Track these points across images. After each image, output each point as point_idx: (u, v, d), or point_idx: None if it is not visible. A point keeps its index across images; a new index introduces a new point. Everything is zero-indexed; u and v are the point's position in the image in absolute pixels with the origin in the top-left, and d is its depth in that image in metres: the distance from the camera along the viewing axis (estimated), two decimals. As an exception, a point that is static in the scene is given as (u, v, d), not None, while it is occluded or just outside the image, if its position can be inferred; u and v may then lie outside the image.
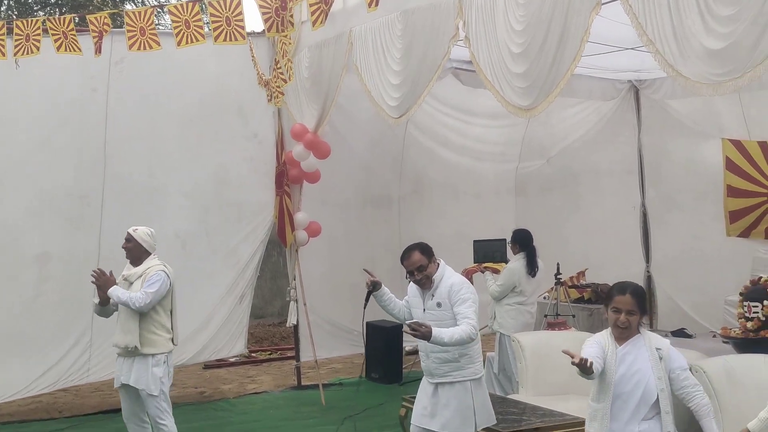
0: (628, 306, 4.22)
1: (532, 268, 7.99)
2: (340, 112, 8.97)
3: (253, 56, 8.18)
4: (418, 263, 5.28)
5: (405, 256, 5.37)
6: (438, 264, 5.35)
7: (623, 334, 4.27)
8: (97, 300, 6.23)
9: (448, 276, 5.30)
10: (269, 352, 11.56)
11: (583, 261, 9.97)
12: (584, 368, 3.95)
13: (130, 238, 6.30)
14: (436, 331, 4.91)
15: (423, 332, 4.88)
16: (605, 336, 4.29)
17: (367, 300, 5.43)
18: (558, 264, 8.64)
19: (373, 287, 5.37)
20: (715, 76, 5.17)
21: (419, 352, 5.41)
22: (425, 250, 5.35)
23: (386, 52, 7.33)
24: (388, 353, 9.48)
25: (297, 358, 9.49)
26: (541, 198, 10.95)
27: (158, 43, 7.72)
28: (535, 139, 10.79)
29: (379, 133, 9.72)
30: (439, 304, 5.22)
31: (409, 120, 9.04)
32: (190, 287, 8.03)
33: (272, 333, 12.98)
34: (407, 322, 5.13)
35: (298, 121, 8.72)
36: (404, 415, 6.50)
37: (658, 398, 4.10)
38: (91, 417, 8.30)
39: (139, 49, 7.78)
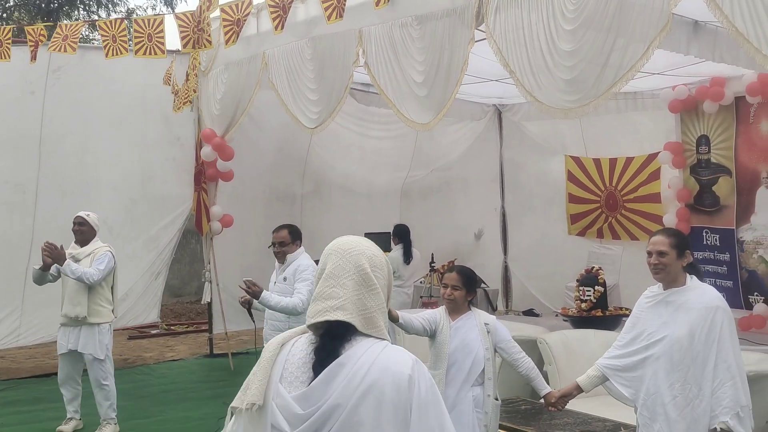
0: (453, 281, 4.11)
1: (407, 257, 8.18)
2: (252, 121, 8.93)
3: (170, 69, 8.05)
4: (281, 239, 5.37)
5: (276, 229, 5.47)
6: (298, 248, 5.41)
7: (453, 308, 4.13)
8: (38, 266, 5.99)
9: (301, 260, 5.35)
10: (186, 326, 11.36)
11: (454, 253, 10.20)
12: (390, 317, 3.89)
13: (84, 222, 6.16)
14: (266, 294, 5.02)
15: (254, 291, 4.98)
16: (441, 311, 4.18)
17: (250, 314, 5.38)
18: (432, 254, 8.82)
19: (249, 305, 5.25)
20: (567, 103, 5.42)
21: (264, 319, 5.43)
22: (293, 232, 5.42)
23: (300, 72, 7.36)
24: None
25: (210, 330, 9.39)
26: (423, 201, 10.98)
27: (74, 49, 7.55)
28: (423, 152, 10.82)
29: (284, 141, 9.66)
30: (285, 279, 5.31)
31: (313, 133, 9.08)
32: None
33: (189, 309, 12.76)
34: (243, 279, 5.15)
35: (208, 126, 8.60)
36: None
37: (484, 367, 4.01)
38: (25, 380, 8.02)
39: (58, 51, 7.58)
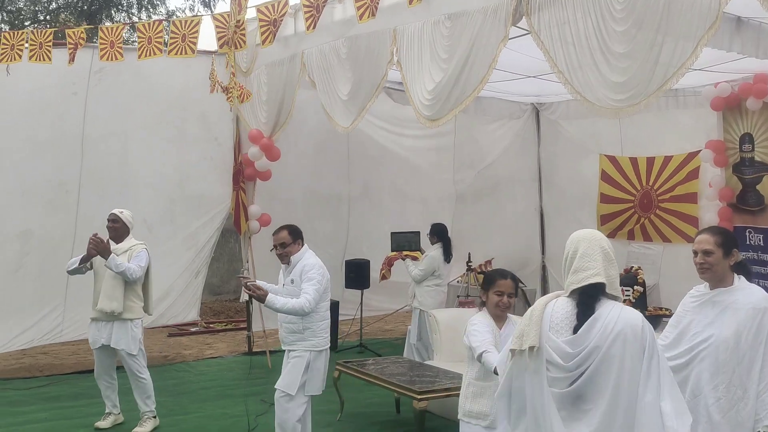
0: (509, 289, 4.01)
1: (447, 255, 8.12)
2: (290, 121, 8.98)
3: (213, 72, 8.12)
4: (282, 240, 5.19)
5: (276, 231, 5.30)
6: (301, 248, 5.22)
7: (503, 315, 4.01)
8: (77, 259, 6.13)
9: (306, 259, 5.17)
10: (225, 324, 11.43)
11: (501, 253, 10.09)
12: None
13: (117, 219, 6.23)
14: (271, 297, 4.85)
15: (259, 294, 4.83)
16: (486, 319, 3.98)
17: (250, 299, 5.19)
18: (469, 254, 8.77)
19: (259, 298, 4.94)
20: (617, 102, 5.32)
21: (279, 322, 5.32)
22: (293, 231, 5.24)
23: (336, 71, 7.39)
24: (326, 325, 9.47)
25: (248, 328, 9.43)
26: (475, 204, 10.84)
27: (122, 55, 7.68)
28: (464, 152, 10.72)
29: (322, 141, 9.67)
30: (292, 281, 5.15)
31: (351, 132, 9.09)
32: (154, 264, 7.96)
33: (228, 307, 12.85)
34: (248, 283, 4.99)
35: (253, 127, 8.67)
36: (338, 376, 6.53)
37: None
38: (67, 376, 8.12)
39: (108, 59, 7.72)
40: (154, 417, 6.32)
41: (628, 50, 5.14)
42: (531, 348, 2.75)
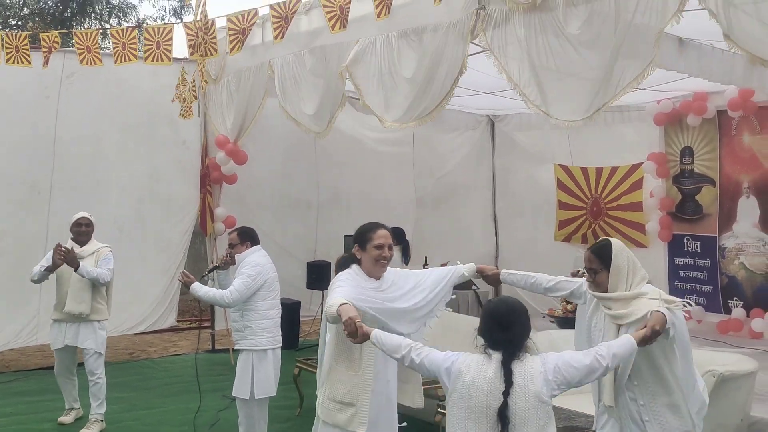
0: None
1: (406, 258, 8.18)
2: (257, 127, 8.93)
3: (183, 76, 8.05)
4: (230, 241, 5.22)
5: (230, 231, 5.38)
6: (248, 248, 5.16)
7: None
8: (43, 268, 5.91)
9: (249, 259, 5.10)
10: (189, 322, 11.33)
11: (457, 257, 10.07)
12: None
13: (90, 223, 6.06)
14: (196, 284, 4.88)
15: (184, 281, 4.90)
16: None
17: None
18: (426, 257, 8.83)
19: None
20: (573, 115, 5.43)
21: None
22: (242, 233, 5.22)
23: (301, 81, 7.41)
24: (288, 324, 9.35)
25: (212, 327, 9.39)
26: (435, 210, 10.85)
27: (101, 60, 7.60)
28: (422, 160, 10.74)
29: (291, 147, 9.63)
30: None
31: (317, 140, 9.10)
32: (126, 267, 7.80)
33: (193, 306, 12.65)
34: (181, 271, 5.09)
35: (221, 133, 8.64)
36: (297, 373, 6.52)
37: None
38: (34, 372, 7.98)
39: (88, 64, 7.64)
40: (102, 421, 6.11)
41: (582, 66, 5.23)
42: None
